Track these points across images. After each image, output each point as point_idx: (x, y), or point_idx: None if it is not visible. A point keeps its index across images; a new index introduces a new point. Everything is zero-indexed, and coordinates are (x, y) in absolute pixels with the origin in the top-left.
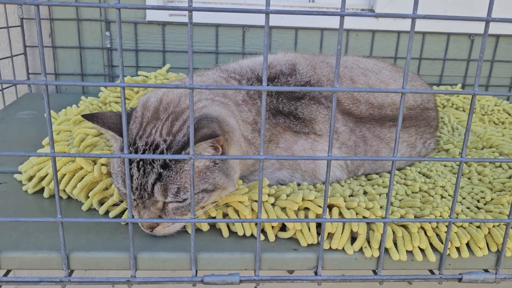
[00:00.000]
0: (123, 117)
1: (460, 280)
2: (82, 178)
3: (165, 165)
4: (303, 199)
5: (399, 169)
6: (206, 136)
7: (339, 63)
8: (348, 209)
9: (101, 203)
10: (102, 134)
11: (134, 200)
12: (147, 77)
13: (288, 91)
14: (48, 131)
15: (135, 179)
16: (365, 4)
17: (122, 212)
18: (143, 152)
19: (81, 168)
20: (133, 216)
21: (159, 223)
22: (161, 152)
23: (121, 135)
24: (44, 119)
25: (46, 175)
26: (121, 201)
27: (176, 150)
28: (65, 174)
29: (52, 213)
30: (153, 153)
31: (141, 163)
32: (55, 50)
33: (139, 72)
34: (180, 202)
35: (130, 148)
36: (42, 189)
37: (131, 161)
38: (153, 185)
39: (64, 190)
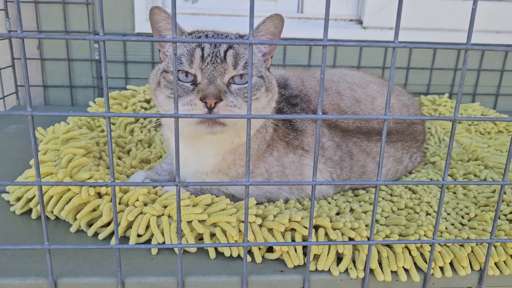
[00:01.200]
0: (109, 146)
1: None
2: (70, 199)
3: (231, 45)
4: (289, 220)
5: (386, 185)
6: (274, 17)
7: (322, 92)
8: (334, 229)
9: (89, 224)
10: (89, 153)
11: (191, 81)
12: (135, 91)
13: (285, 97)
14: (34, 161)
15: (206, 49)
16: (353, 14)
17: (112, 234)
18: (213, 35)
19: (69, 189)
20: (120, 242)
21: (223, 98)
22: (227, 36)
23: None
24: None
25: (34, 196)
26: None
27: (239, 34)
28: (52, 196)
29: (40, 236)
30: (221, 36)
31: (210, 38)
32: (43, 62)
33: (128, 86)
34: (241, 84)
35: (201, 33)
36: (31, 209)
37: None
38: (226, 52)
39: (52, 211)
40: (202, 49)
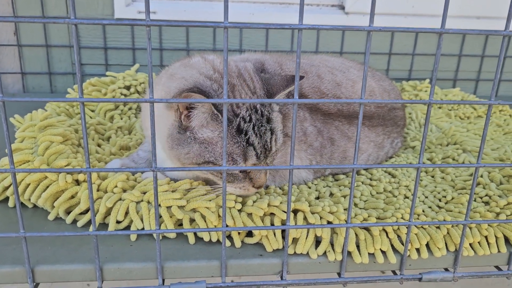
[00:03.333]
0: (84, 132)
1: (420, 279)
2: (47, 187)
3: (269, 120)
4: (268, 205)
5: (365, 168)
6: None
7: (298, 76)
8: (313, 213)
9: (68, 211)
10: (67, 141)
11: (243, 172)
12: (115, 77)
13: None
14: (8, 149)
15: (257, 148)
16: (335, 0)
17: (90, 221)
18: (251, 117)
19: (46, 177)
20: (99, 228)
21: (266, 174)
22: (262, 111)
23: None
24: (11, 121)
25: (11, 184)
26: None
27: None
28: (29, 184)
29: (18, 224)
30: (258, 113)
31: (255, 128)
32: (20, 48)
33: (107, 73)
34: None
35: (236, 119)
36: (7, 198)
37: (246, 133)
38: (271, 140)
39: (30, 199)
40: (254, 148)
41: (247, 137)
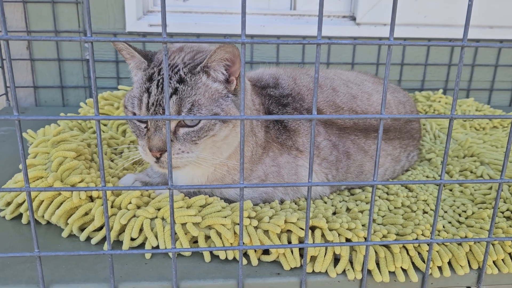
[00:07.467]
0: (100, 150)
1: None
2: (61, 204)
3: (181, 80)
4: (285, 222)
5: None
6: (225, 46)
7: (316, 91)
8: (331, 230)
9: (81, 228)
10: (80, 156)
11: (145, 123)
12: (127, 91)
13: (275, 98)
14: (22, 166)
15: (152, 95)
16: (346, 11)
17: (105, 238)
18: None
19: (59, 194)
20: (113, 245)
21: (162, 141)
22: (178, 71)
23: (146, 58)
24: (23, 136)
25: (24, 201)
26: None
27: (191, 66)
28: (43, 201)
29: (32, 241)
30: (172, 72)
31: (160, 80)
32: (33, 62)
33: (119, 87)
34: (191, 126)
35: (155, 68)
36: (21, 214)
37: (151, 79)
38: (169, 99)
39: (43, 216)
40: (149, 95)
41: (150, 84)
